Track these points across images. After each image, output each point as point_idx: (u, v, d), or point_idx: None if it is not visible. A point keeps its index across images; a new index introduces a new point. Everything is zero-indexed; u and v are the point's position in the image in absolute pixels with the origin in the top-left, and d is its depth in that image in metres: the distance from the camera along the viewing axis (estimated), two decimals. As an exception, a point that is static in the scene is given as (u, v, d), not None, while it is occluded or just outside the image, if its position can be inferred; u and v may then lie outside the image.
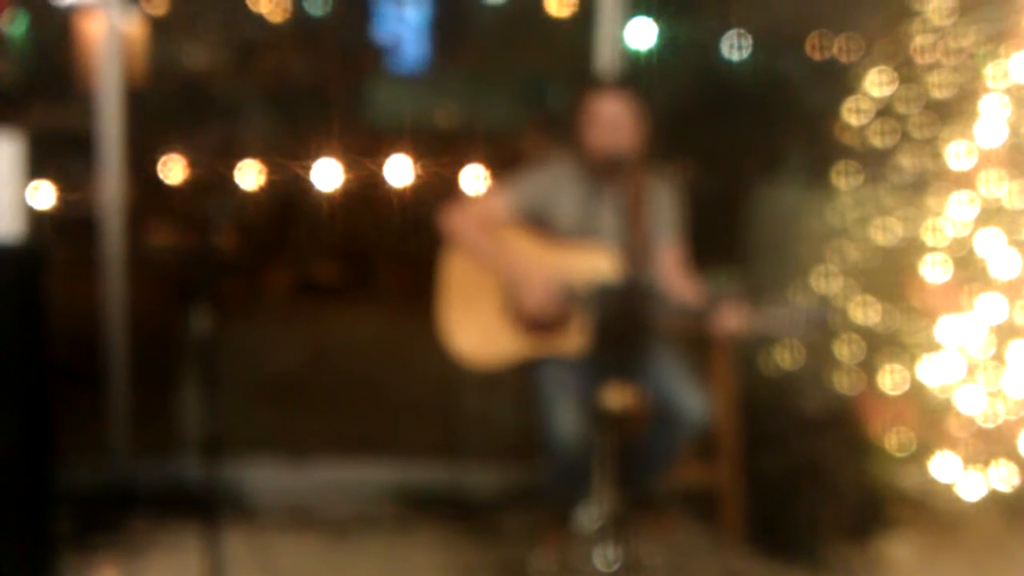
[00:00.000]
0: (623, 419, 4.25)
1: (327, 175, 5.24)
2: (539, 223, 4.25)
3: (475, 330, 4.27)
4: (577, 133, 4.26)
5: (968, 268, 4.63)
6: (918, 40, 4.83)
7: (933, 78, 4.78)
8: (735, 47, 6.14)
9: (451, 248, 4.30)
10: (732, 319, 4.01)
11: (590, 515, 4.28)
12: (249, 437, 4.91)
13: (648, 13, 5.57)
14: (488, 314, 4.25)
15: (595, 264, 4.15)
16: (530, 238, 4.25)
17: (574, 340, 4.18)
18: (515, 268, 4.17)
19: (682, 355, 4.31)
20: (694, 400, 4.14)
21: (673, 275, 4.29)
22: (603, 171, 4.19)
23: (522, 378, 4.32)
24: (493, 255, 4.21)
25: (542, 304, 4.13)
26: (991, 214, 4.59)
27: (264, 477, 5.02)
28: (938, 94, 4.76)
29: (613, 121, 4.18)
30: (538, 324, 4.20)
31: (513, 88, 6.49)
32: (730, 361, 4.72)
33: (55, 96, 5.50)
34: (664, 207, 4.33)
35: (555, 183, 4.28)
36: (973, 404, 4.57)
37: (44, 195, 5.03)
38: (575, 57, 5.27)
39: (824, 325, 4.26)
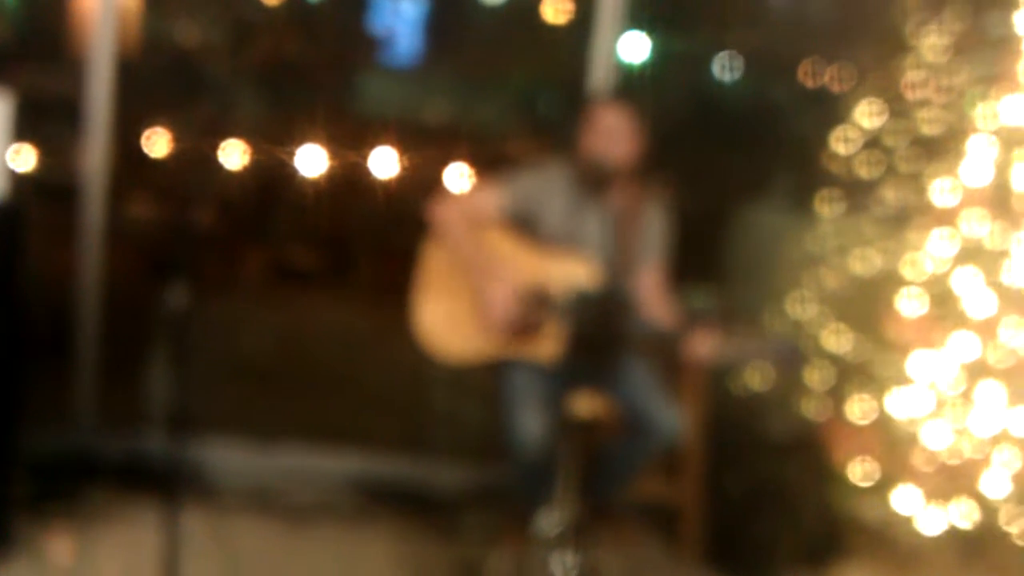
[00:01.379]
0: (591, 428, 4.26)
1: (312, 161, 5.23)
2: (526, 226, 4.25)
3: (449, 323, 4.26)
4: (575, 141, 4.27)
5: (944, 305, 4.65)
6: (910, 75, 4.85)
7: (923, 114, 4.81)
8: (727, 68, 6.17)
9: (436, 239, 4.30)
10: (704, 346, 4.01)
11: (550, 521, 4.28)
12: (215, 416, 4.86)
13: (644, 27, 5.58)
14: (464, 309, 4.25)
15: (576, 272, 4.16)
16: (515, 239, 4.25)
17: (547, 346, 4.18)
18: (486, 272, 4.15)
19: (655, 369, 4.32)
20: (667, 415, 4.15)
21: (652, 295, 4.29)
22: (596, 181, 4.20)
23: (492, 378, 4.32)
24: (471, 254, 4.20)
25: (505, 313, 4.12)
26: (971, 253, 4.61)
27: (228, 458, 5.00)
28: (927, 130, 4.78)
29: (612, 132, 4.19)
30: (510, 327, 4.20)
31: (503, 91, 6.50)
32: (701, 378, 4.74)
33: (46, 60, 5.46)
34: (654, 227, 4.33)
35: (547, 188, 4.28)
36: (939, 439, 4.60)
37: (27, 158, 5.00)
38: (568, 65, 5.28)
39: (796, 362, 4.28)
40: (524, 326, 4.15)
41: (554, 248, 4.22)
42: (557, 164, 4.36)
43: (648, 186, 4.34)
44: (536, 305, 4.13)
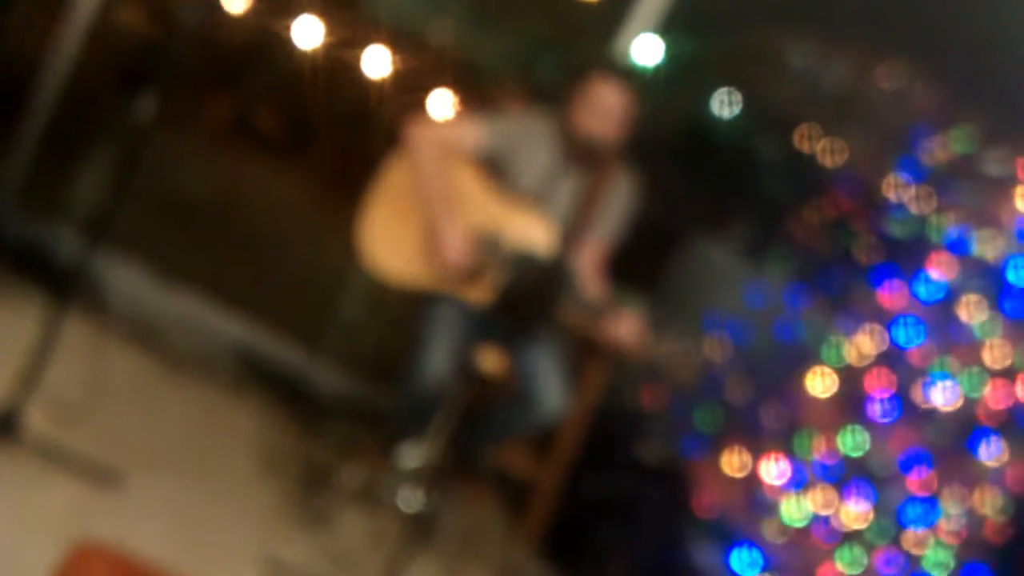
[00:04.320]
0: (486, 382, 4.27)
1: (307, 33, 5.16)
2: (497, 169, 4.23)
3: (391, 240, 4.24)
4: (566, 108, 4.26)
5: (850, 396, 4.71)
6: (898, 176, 4.90)
7: (897, 214, 4.86)
8: (726, 103, 6.19)
9: (403, 156, 4.27)
10: (626, 329, 4.04)
11: (413, 454, 4.29)
12: (131, 239, 4.79)
13: (666, 35, 5.57)
14: (409, 232, 4.22)
15: (533, 231, 4.15)
16: (482, 179, 4.23)
17: (479, 291, 4.18)
18: (445, 205, 4.14)
19: (563, 349, 4.33)
20: (556, 395, 4.17)
21: (588, 267, 4.30)
22: (578, 152, 4.20)
23: (411, 306, 4.31)
24: (435, 182, 4.17)
25: (453, 257, 4.11)
26: (892, 358, 4.67)
27: (129, 283, 4.93)
28: (896, 230, 4.84)
29: (608, 110, 4.19)
30: (454, 265, 4.18)
31: (514, 38, 6.45)
32: (603, 376, 4.76)
33: None
34: (616, 206, 4.34)
35: (528, 140, 4.26)
36: (797, 516, 4.67)
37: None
38: (587, 42, 5.27)
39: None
40: (467, 267, 4.14)
41: (519, 200, 4.21)
42: (545, 120, 4.34)
43: (622, 173, 4.35)
44: (485, 250, 4.13)
